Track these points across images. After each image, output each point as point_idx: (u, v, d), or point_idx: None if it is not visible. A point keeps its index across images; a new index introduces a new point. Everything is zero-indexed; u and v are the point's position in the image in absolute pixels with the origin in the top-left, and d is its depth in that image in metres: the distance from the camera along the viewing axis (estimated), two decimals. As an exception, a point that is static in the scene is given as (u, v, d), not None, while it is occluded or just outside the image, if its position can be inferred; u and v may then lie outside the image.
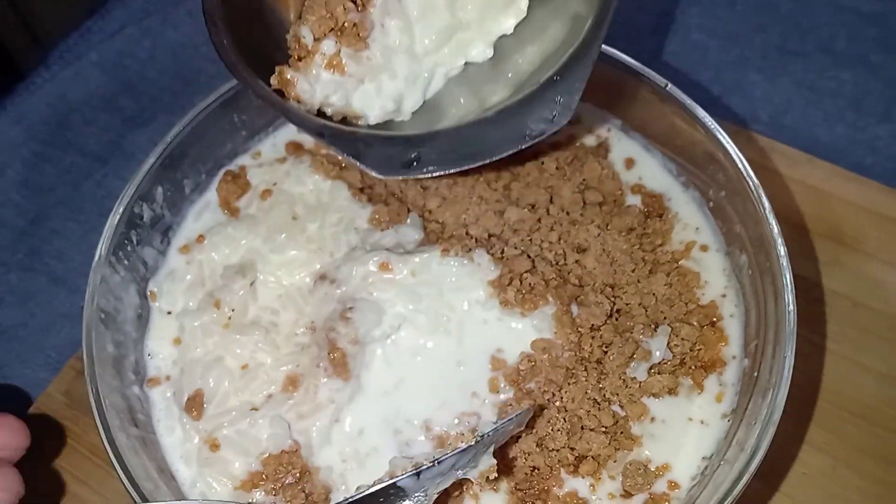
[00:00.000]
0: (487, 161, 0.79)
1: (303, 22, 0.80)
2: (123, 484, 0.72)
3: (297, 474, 0.79)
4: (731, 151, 0.83)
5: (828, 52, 1.23)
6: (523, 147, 0.78)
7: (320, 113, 0.83)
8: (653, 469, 0.79)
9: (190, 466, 0.81)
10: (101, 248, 0.84)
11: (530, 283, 0.84)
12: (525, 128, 0.78)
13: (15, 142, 1.24)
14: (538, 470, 0.79)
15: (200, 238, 0.93)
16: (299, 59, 0.80)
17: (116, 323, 0.84)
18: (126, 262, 0.87)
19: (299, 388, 0.82)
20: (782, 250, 0.78)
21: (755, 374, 0.78)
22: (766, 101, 1.20)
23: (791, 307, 0.75)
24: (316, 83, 0.80)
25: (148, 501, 0.70)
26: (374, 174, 0.79)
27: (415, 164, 0.80)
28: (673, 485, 0.79)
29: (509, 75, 0.85)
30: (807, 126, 1.17)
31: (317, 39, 0.80)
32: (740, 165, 0.83)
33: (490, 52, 0.86)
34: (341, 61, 0.80)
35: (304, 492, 0.78)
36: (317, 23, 0.79)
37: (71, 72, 1.31)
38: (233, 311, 0.86)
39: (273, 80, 0.79)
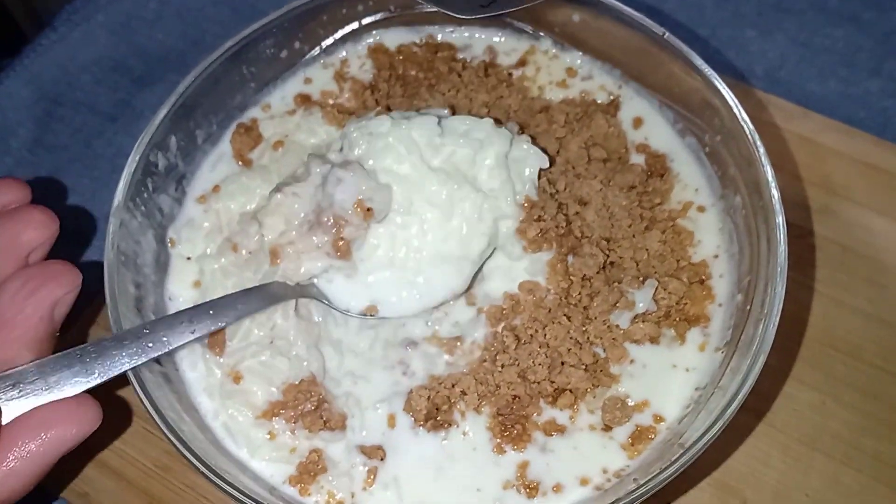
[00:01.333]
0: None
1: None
2: (149, 413, 0.76)
3: (316, 402, 0.83)
4: (727, 96, 0.87)
5: (821, 9, 1.26)
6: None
7: None
8: (631, 405, 0.84)
9: (213, 399, 0.85)
10: (120, 193, 0.86)
11: (542, 229, 0.88)
12: None
13: (26, 102, 1.26)
14: (519, 398, 0.83)
15: (216, 188, 0.97)
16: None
17: (136, 265, 0.87)
18: (143, 208, 0.90)
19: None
20: (775, 192, 0.81)
21: (748, 307, 0.82)
22: (761, 56, 1.23)
23: (782, 244, 0.79)
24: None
25: (172, 430, 0.74)
26: (457, 16, 0.88)
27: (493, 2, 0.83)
28: (658, 418, 0.83)
29: None
30: (801, 81, 1.20)
31: None
32: (735, 110, 0.86)
33: None
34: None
35: (321, 418, 0.83)
36: None
37: (79, 33, 1.33)
38: (249, 253, 0.89)
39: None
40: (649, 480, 0.72)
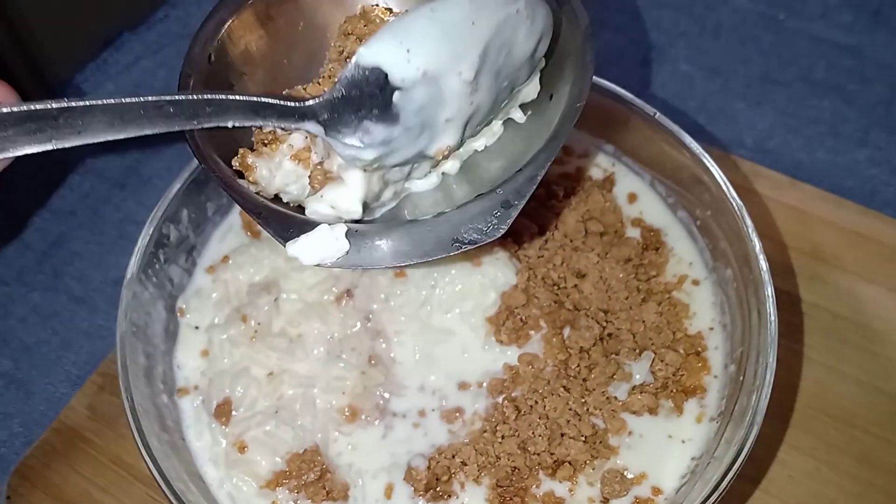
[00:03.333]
0: (414, 262, 0.78)
1: None
2: (158, 484, 0.77)
3: (319, 472, 0.84)
4: (715, 173, 0.90)
5: (807, 81, 1.30)
6: (451, 253, 0.76)
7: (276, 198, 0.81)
8: (630, 477, 0.85)
9: (218, 468, 0.87)
10: (133, 265, 0.89)
11: (522, 318, 0.91)
12: (458, 234, 0.76)
13: (35, 166, 1.28)
14: (518, 470, 0.84)
15: (225, 259, 0.99)
16: (265, 144, 0.79)
17: (146, 336, 0.89)
18: (154, 279, 0.92)
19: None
20: (763, 264, 0.84)
21: (741, 377, 0.84)
22: (749, 127, 1.27)
23: (772, 315, 0.81)
24: (277, 171, 0.78)
25: (181, 500, 0.75)
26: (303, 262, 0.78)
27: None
28: (656, 490, 0.85)
29: (473, 185, 0.83)
30: (789, 151, 1.24)
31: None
32: (724, 186, 0.89)
33: (458, 167, 0.85)
34: (309, 156, 0.78)
35: (324, 489, 0.84)
36: None
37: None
38: (259, 324, 0.92)
39: (234, 162, 0.78)
40: (648, 553, 0.73)
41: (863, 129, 1.25)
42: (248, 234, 1.02)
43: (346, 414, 0.88)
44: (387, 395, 0.89)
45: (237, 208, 1.04)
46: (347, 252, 0.76)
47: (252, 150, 0.79)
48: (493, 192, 0.76)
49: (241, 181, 0.78)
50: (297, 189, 0.78)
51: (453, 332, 0.91)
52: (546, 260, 0.94)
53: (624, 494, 0.83)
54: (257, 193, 0.78)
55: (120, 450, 1.00)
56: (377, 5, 0.84)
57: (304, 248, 0.76)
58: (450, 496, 0.84)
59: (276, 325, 0.91)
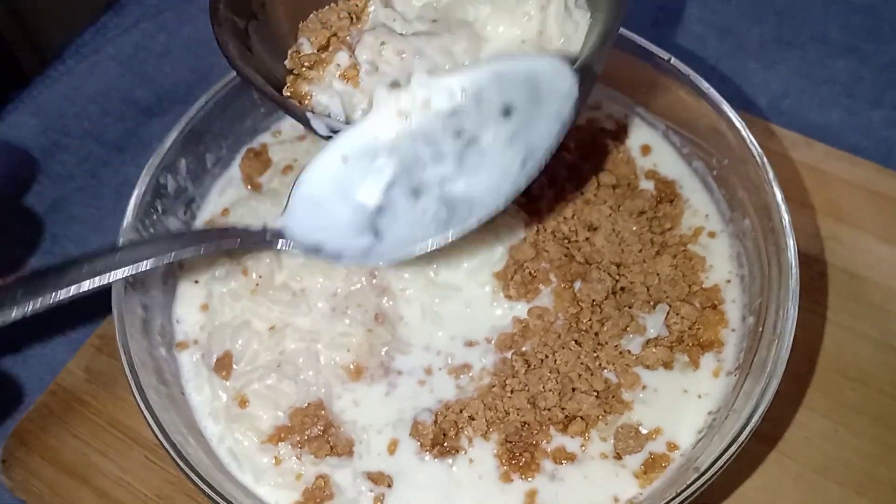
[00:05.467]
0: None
1: (301, 36, 0.83)
2: (157, 436, 0.75)
3: (323, 426, 0.82)
4: (734, 119, 0.87)
5: (821, 41, 1.27)
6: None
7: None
8: (644, 433, 0.82)
9: (218, 423, 0.84)
10: (130, 213, 0.87)
11: (531, 272, 0.88)
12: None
13: (33, 132, 1.27)
14: (528, 425, 0.82)
15: (225, 211, 0.97)
16: (308, 67, 0.81)
17: (144, 287, 0.87)
18: (152, 229, 0.90)
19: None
20: (785, 213, 0.82)
21: (760, 329, 0.81)
22: (763, 88, 1.24)
23: (794, 265, 0.79)
24: (329, 92, 0.78)
25: (180, 453, 0.73)
26: None
27: None
28: (672, 445, 0.82)
29: None
30: (803, 112, 1.21)
31: (320, 50, 0.81)
32: (743, 133, 0.86)
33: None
34: (357, 74, 0.78)
35: (328, 443, 0.82)
36: (315, 34, 0.82)
37: (87, 65, 1.34)
38: (260, 277, 0.89)
39: (286, 91, 0.80)
40: (664, 504, 0.71)
41: (878, 90, 1.22)
42: (248, 187, 0.99)
43: (351, 371, 0.85)
44: (392, 354, 0.87)
45: (237, 161, 1.01)
46: None
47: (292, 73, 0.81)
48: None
49: (293, 102, 0.79)
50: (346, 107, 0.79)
51: (459, 289, 0.89)
52: (556, 213, 0.91)
53: (638, 450, 0.80)
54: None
55: (118, 412, 0.98)
56: None
57: None
58: (457, 451, 0.82)
59: (277, 279, 0.89)
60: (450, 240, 0.71)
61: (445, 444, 0.81)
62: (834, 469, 0.90)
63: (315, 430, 0.82)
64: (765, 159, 0.85)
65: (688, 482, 0.72)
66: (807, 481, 0.90)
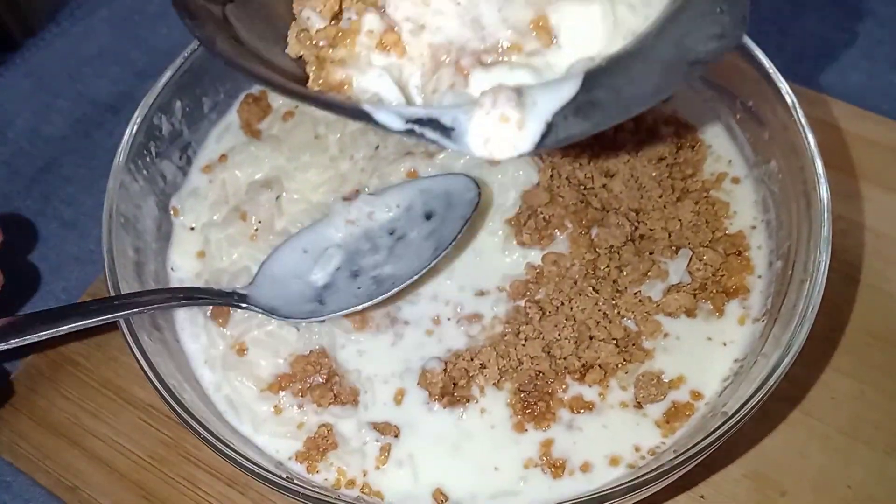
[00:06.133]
0: (633, 114, 0.58)
1: (299, 8, 0.66)
2: (149, 378, 0.70)
3: (326, 374, 0.78)
4: (760, 56, 0.83)
5: (839, 4, 1.24)
6: (691, 80, 0.61)
7: None
8: (666, 381, 0.78)
9: (214, 371, 0.81)
10: (121, 153, 0.83)
11: (545, 218, 0.84)
12: (687, 51, 0.56)
13: (25, 93, 1.24)
14: (543, 374, 0.78)
15: (223, 158, 0.93)
16: (331, 45, 0.64)
17: (136, 230, 0.83)
18: (145, 172, 0.86)
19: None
20: (815, 149, 0.78)
21: (790, 272, 0.77)
22: (779, 51, 1.20)
23: (826, 203, 0.75)
24: (368, 73, 0.62)
25: (176, 398, 0.68)
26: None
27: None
28: (696, 394, 0.78)
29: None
30: (820, 75, 1.18)
31: (333, 21, 0.65)
32: (769, 68, 0.82)
33: None
34: (399, 38, 0.62)
35: (332, 392, 0.78)
36: (321, 1, 0.64)
37: (81, 27, 1.31)
38: (259, 222, 0.86)
39: (314, 84, 0.64)
40: (689, 450, 0.66)
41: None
42: (247, 133, 0.95)
43: (356, 319, 0.81)
44: (399, 304, 0.83)
45: (235, 106, 0.97)
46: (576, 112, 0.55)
47: (317, 59, 0.64)
48: None
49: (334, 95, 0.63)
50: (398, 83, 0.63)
51: (469, 236, 0.85)
52: (572, 158, 0.87)
53: (661, 398, 0.76)
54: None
55: (110, 373, 0.94)
56: None
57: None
58: (468, 401, 0.77)
59: (278, 224, 0.86)
60: (373, 302, 0.80)
61: (455, 394, 0.77)
62: (862, 430, 0.87)
63: (318, 379, 0.78)
64: (793, 95, 0.80)
65: (714, 427, 0.67)
66: (834, 442, 0.86)
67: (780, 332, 0.73)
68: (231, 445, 0.68)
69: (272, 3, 0.67)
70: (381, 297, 0.79)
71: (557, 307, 0.80)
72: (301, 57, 0.65)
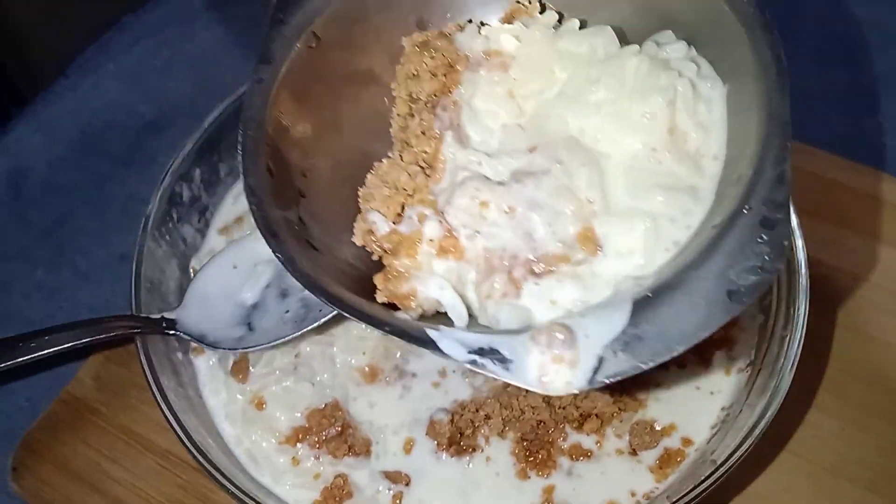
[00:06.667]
0: (677, 353, 0.58)
1: (366, 208, 0.69)
2: (176, 433, 0.75)
3: (340, 427, 0.83)
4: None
5: (817, 52, 1.30)
6: (734, 315, 0.57)
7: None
8: (658, 429, 0.83)
9: (235, 426, 0.85)
10: (149, 221, 0.88)
11: None
12: (729, 283, 0.57)
13: (37, 147, 1.28)
14: (544, 423, 0.82)
15: (239, 220, 0.98)
16: (387, 252, 0.68)
17: (161, 293, 0.88)
18: (168, 237, 0.91)
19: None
20: (793, 213, 0.82)
21: (770, 325, 0.83)
22: (760, 99, 1.26)
23: (802, 262, 0.80)
24: (432, 283, 0.66)
25: (201, 452, 0.73)
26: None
27: None
28: (687, 441, 0.83)
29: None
30: (801, 122, 1.22)
31: (394, 223, 0.68)
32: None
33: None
34: (457, 242, 0.65)
35: (346, 443, 0.82)
36: (385, 203, 0.67)
37: (90, 81, 1.35)
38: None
39: (380, 296, 0.66)
40: (682, 497, 0.71)
41: (872, 99, 1.24)
42: (261, 194, 1.00)
43: (366, 373, 0.86)
44: (406, 357, 0.87)
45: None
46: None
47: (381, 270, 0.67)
48: (738, 214, 0.59)
49: (395, 313, 0.66)
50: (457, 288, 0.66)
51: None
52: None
53: (654, 446, 0.81)
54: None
55: (129, 420, 0.98)
56: (429, 26, 0.74)
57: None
58: (474, 450, 0.82)
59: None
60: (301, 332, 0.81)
61: (462, 443, 0.82)
62: (844, 467, 0.91)
63: (333, 431, 0.82)
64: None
65: (704, 475, 0.72)
66: (819, 479, 0.90)
67: (763, 383, 0.78)
68: (254, 497, 0.72)
69: (338, 192, 0.72)
70: (309, 327, 0.79)
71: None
72: (364, 247, 0.70)
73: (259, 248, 0.80)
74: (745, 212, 0.58)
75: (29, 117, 1.32)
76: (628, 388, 0.84)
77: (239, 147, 0.68)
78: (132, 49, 1.38)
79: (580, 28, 0.71)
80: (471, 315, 0.67)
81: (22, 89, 1.46)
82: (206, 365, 0.89)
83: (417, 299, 0.66)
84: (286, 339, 0.82)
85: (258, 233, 0.73)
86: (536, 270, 0.64)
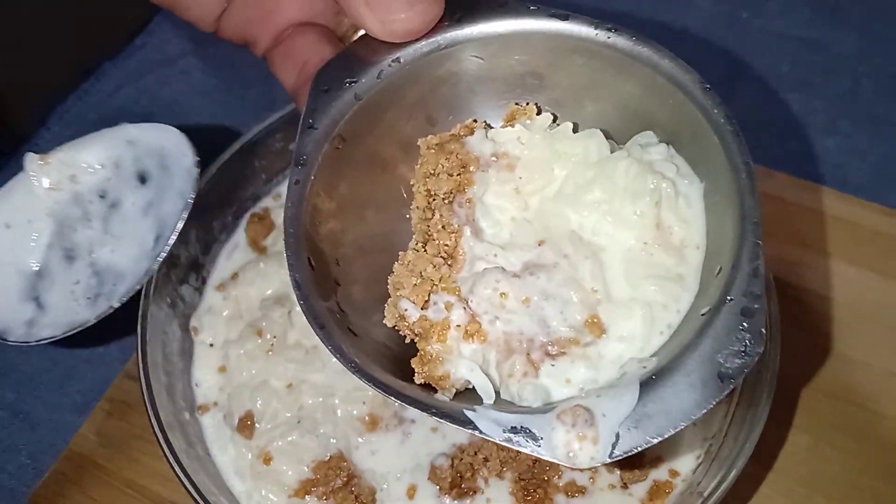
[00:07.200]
0: (680, 428, 0.63)
1: (396, 296, 0.75)
2: (189, 492, 0.79)
3: (346, 477, 0.86)
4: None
5: (774, 77, 1.35)
6: (722, 394, 0.63)
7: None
8: (647, 462, 0.88)
9: (244, 481, 0.88)
10: (150, 286, 0.91)
11: None
12: (718, 367, 0.63)
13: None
14: (539, 462, 0.87)
15: (234, 276, 1.01)
16: (419, 335, 0.73)
17: (164, 355, 0.91)
18: (168, 299, 0.94)
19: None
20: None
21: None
22: (721, 125, 1.31)
23: (773, 305, 0.86)
24: (462, 365, 0.72)
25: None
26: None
27: None
28: (673, 472, 0.88)
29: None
30: (760, 145, 1.27)
31: (423, 309, 0.73)
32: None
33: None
34: (480, 326, 0.72)
35: (352, 493, 0.86)
36: (414, 291, 0.73)
37: (71, 131, 1.35)
38: (274, 337, 0.93)
39: (419, 378, 0.72)
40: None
41: (829, 119, 1.30)
42: (254, 250, 1.04)
43: (366, 422, 0.90)
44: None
45: (241, 226, 1.05)
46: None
47: (415, 355, 0.73)
48: (722, 304, 0.65)
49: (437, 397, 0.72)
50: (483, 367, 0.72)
51: None
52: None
53: (643, 479, 0.86)
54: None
55: (133, 474, 1.00)
56: (437, 122, 0.82)
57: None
58: (475, 492, 0.86)
59: (290, 338, 0.93)
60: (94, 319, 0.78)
61: (463, 486, 0.86)
62: (819, 482, 0.96)
63: (339, 481, 0.86)
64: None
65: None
66: (796, 494, 0.95)
67: (742, 413, 0.83)
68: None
69: (367, 277, 0.78)
70: (105, 310, 0.74)
71: (548, 404, 0.89)
72: (395, 327, 0.75)
73: (31, 201, 0.76)
74: (728, 302, 0.65)
75: (14, 170, 1.32)
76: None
77: (284, 245, 0.73)
78: (112, 97, 1.40)
79: (573, 131, 0.79)
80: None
81: (0, 142, 1.47)
82: (212, 422, 0.92)
83: (452, 380, 0.72)
84: (84, 326, 0.77)
85: (24, 182, 0.80)
86: (551, 352, 0.72)
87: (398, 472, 0.88)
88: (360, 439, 0.89)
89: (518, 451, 0.83)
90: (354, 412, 0.90)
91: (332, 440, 0.88)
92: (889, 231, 1.14)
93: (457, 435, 0.89)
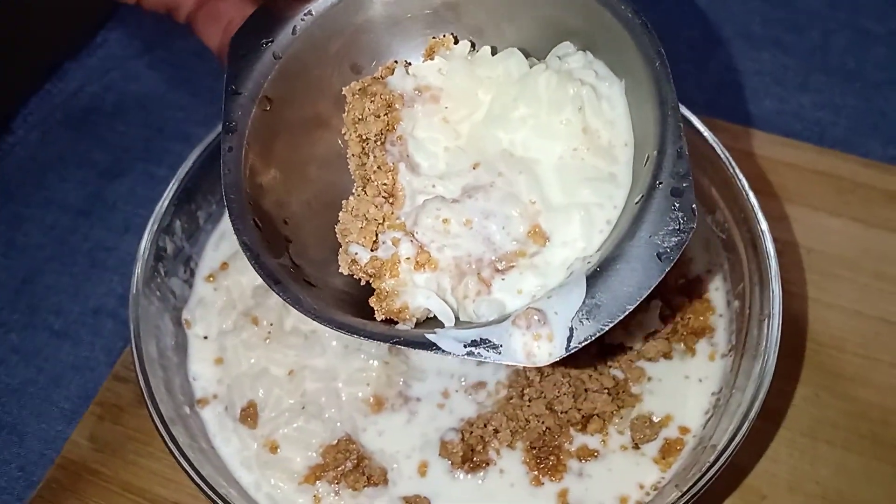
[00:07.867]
0: (627, 312, 0.67)
1: (345, 242, 0.77)
2: (198, 485, 0.77)
3: (356, 459, 0.85)
4: (697, 125, 0.94)
5: (746, 37, 1.36)
6: (665, 272, 0.66)
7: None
8: (656, 421, 0.88)
9: (251, 471, 0.86)
10: (137, 280, 0.88)
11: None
12: (656, 248, 0.67)
13: (-9, 208, 1.26)
14: (550, 429, 0.87)
15: (224, 265, 0.99)
16: (371, 275, 0.76)
17: (159, 349, 0.89)
18: (158, 293, 0.92)
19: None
20: (753, 200, 0.89)
21: (747, 311, 0.88)
22: (698, 87, 1.32)
23: (771, 249, 0.86)
24: (418, 294, 0.74)
25: (225, 502, 0.75)
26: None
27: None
28: (683, 429, 0.88)
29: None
30: (738, 104, 1.30)
31: (373, 250, 0.76)
32: (705, 133, 0.93)
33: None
34: (429, 255, 0.75)
35: (363, 475, 0.85)
36: (360, 234, 0.76)
37: (37, 133, 1.33)
38: (271, 324, 0.92)
39: (379, 315, 0.74)
40: (691, 487, 0.76)
41: (802, 76, 1.32)
42: (243, 238, 1.01)
43: (371, 403, 0.89)
44: (409, 382, 0.90)
45: (227, 215, 1.01)
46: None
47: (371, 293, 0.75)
48: (653, 189, 0.68)
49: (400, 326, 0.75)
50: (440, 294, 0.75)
51: None
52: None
53: (654, 438, 0.86)
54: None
55: (130, 476, 0.98)
56: (362, 70, 0.83)
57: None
58: (487, 464, 0.86)
59: (287, 324, 0.91)
60: None
61: (475, 459, 0.85)
62: (821, 430, 0.97)
63: (349, 464, 0.85)
64: (730, 157, 0.91)
65: (710, 461, 0.77)
66: (799, 444, 0.96)
67: (748, 366, 0.84)
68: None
69: (317, 231, 0.80)
70: None
71: (553, 366, 0.88)
72: (352, 275, 0.77)
73: None
74: (658, 186, 0.69)
75: (-21, 177, 1.29)
76: (624, 385, 0.89)
77: (227, 211, 0.76)
78: (77, 96, 1.37)
79: (492, 54, 0.81)
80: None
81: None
82: (213, 415, 0.90)
83: (410, 311, 0.74)
84: None
85: None
86: (500, 268, 0.75)
87: (408, 450, 0.87)
88: (366, 421, 0.88)
89: (528, 420, 0.84)
90: (359, 394, 0.88)
91: (338, 423, 0.87)
92: (869, 182, 1.15)
93: (464, 409, 0.89)
